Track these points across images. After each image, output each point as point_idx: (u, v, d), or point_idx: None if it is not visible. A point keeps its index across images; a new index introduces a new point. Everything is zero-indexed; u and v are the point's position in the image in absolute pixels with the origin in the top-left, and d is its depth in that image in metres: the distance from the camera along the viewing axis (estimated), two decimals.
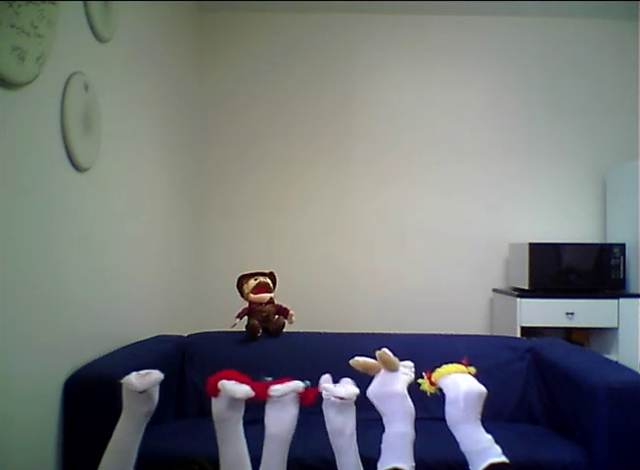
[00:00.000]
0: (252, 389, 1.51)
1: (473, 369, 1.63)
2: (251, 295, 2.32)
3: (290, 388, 1.51)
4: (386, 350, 1.63)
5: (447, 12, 3.45)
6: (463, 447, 1.51)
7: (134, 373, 1.51)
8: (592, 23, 3.50)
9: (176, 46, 3.01)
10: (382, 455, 1.52)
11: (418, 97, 3.50)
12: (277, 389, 1.51)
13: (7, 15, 1.37)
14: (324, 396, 1.52)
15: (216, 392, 1.49)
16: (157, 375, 1.52)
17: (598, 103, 3.50)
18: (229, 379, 1.50)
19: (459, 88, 3.50)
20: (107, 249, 2.04)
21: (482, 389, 1.55)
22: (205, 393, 1.53)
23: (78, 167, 1.80)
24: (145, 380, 1.48)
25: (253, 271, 2.39)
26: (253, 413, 1.56)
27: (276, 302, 2.38)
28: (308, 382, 1.56)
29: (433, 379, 1.63)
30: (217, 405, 1.50)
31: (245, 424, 1.56)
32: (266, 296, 2.33)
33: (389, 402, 1.56)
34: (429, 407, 1.75)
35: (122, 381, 1.48)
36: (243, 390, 1.47)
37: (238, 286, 2.37)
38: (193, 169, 3.33)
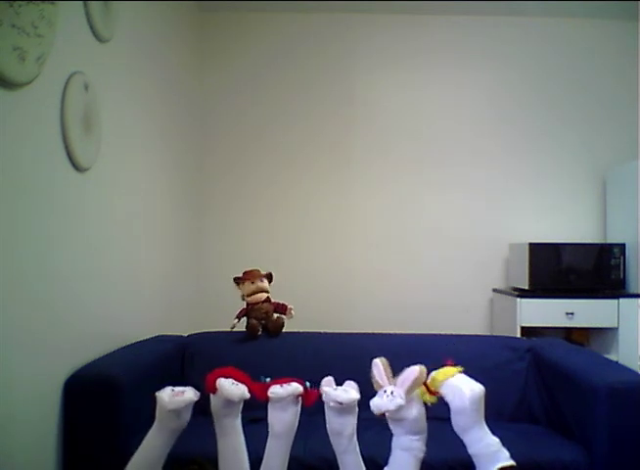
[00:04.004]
0: (251, 390, 1.52)
1: (460, 368, 1.60)
2: (248, 297, 2.32)
3: (288, 392, 1.52)
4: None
5: (447, 12, 3.45)
6: (471, 451, 1.50)
7: (169, 388, 1.50)
8: (592, 23, 3.50)
9: (176, 46, 3.01)
10: None
11: (418, 97, 3.50)
12: (275, 392, 1.51)
13: (7, 15, 1.37)
14: (324, 399, 1.52)
15: (214, 389, 1.50)
16: (189, 395, 1.50)
17: (598, 103, 3.50)
18: (227, 377, 1.51)
19: (459, 88, 3.50)
20: (107, 248, 2.04)
21: (482, 388, 1.54)
22: (204, 392, 1.53)
23: (78, 167, 1.80)
24: (176, 399, 1.47)
25: (251, 270, 2.37)
26: (255, 412, 1.57)
27: (273, 300, 2.38)
28: (308, 384, 1.56)
29: (432, 388, 1.57)
30: (215, 403, 1.51)
31: (247, 423, 1.56)
32: (263, 295, 2.32)
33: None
34: (429, 407, 1.75)
35: (156, 394, 1.48)
36: (239, 393, 1.48)
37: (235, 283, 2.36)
38: (193, 169, 3.33)
